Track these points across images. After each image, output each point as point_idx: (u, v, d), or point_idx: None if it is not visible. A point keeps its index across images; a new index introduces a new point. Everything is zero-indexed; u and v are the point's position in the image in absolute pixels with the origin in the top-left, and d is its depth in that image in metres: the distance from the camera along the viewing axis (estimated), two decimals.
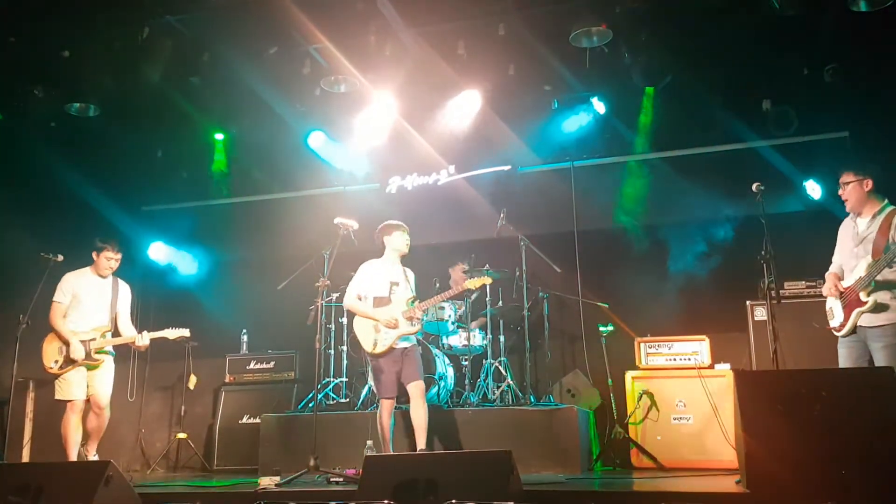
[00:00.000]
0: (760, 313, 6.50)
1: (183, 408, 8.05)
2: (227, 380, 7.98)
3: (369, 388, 6.76)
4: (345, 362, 7.44)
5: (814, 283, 6.39)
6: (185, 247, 8.76)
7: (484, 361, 7.00)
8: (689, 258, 7.19)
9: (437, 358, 6.82)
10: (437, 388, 6.66)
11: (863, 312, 4.63)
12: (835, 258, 5.04)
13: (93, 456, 5.97)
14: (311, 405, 6.79)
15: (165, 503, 4.85)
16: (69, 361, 5.92)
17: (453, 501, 3.64)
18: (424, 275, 7.13)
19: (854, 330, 4.71)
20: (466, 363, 6.97)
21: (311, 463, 5.46)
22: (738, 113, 7.24)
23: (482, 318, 7.22)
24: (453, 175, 8.23)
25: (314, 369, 6.00)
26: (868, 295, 4.61)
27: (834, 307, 4.89)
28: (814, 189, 7.03)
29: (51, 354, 5.95)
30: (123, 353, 6.37)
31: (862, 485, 3.60)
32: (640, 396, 6.43)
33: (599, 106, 7.73)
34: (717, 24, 6.26)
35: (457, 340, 7.11)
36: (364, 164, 8.47)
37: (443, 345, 7.11)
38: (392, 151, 8.21)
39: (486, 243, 7.46)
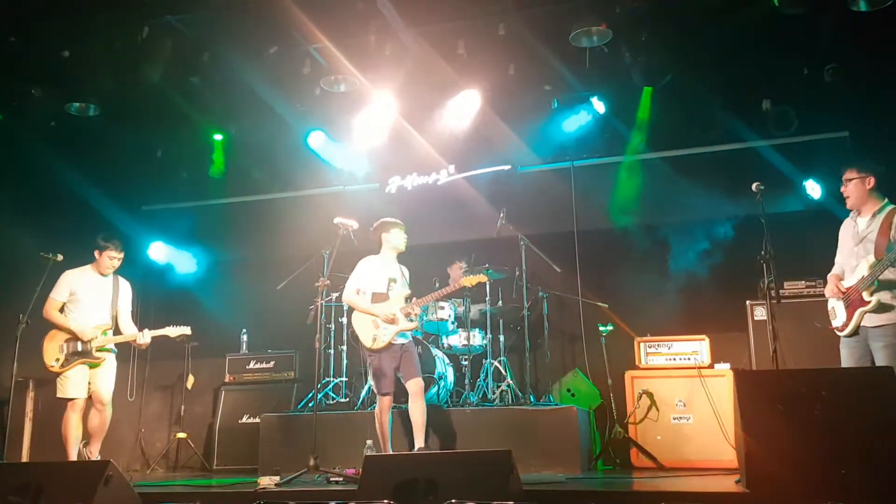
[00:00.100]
0: (760, 313, 6.51)
1: (183, 407, 8.05)
2: (226, 379, 7.98)
3: (369, 387, 6.76)
4: (345, 362, 7.45)
5: (814, 283, 6.40)
6: (185, 246, 8.76)
7: (483, 361, 7.01)
8: (689, 258, 7.19)
9: (436, 358, 6.82)
10: (436, 387, 6.66)
11: (866, 312, 4.63)
12: (837, 259, 5.04)
13: (96, 456, 5.96)
14: (310, 405, 6.79)
15: (165, 503, 4.84)
16: (71, 359, 5.93)
17: (453, 501, 3.64)
18: (424, 274, 7.14)
19: (857, 330, 4.71)
20: (466, 363, 6.98)
21: (311, 463, 5.45)
22: (738, 113, 7.24)
23: (478, 310, 7.23)
24: (453, 175, 8.23)
25: (314, 369, 6.00)
26: (871, 295, 4.60)
27: (836, 307, 4.88)
28: (814, 189, 7.04)
29: (52, 353, 5.95)
30: (123, 353, 6.37)
31: (862, 485, 3.60)
32: (640, 396, 6.44)
33: (599, 106, 7.73)
34: (717, 24, 6.26)
35: (456, 340, 7.11)
36: (364, 163, 8.47)
37: (442, 344, 7.12)
38: (392, 151, 8.21)
39: (486, 243, 7.45)
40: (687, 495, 4.34)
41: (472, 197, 8.05)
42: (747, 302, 6.60)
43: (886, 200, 4.81)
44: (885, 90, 6.58)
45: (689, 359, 6.51)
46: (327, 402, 7.13)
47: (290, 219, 8.53)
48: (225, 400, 7.88)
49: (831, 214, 5.39)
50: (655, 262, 7.36)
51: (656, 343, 6.65)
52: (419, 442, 5.67)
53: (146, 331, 6.12)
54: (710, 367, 6.42)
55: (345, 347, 7.44)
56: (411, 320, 5.91)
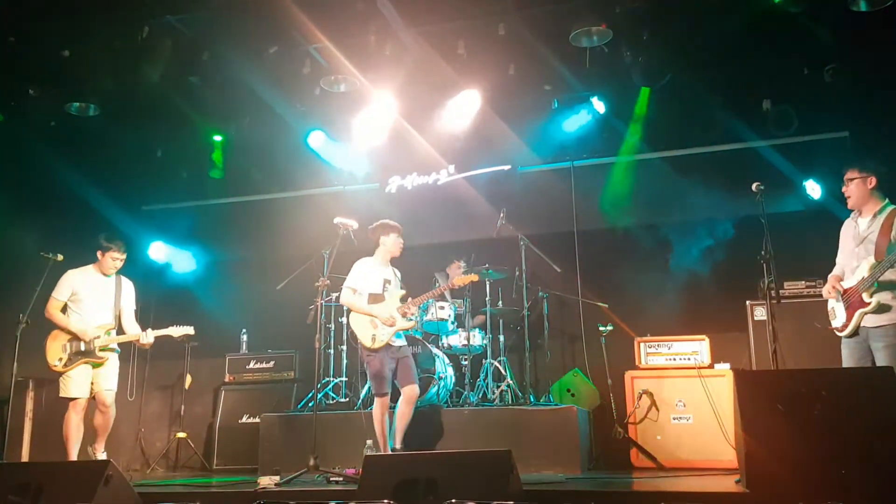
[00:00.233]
0: (760, 313, 6.50)
1: (183, 407, 8.05)
2: (226, 379, 7.97)
3: (369, 387, 6.75)
4: (344, 362, 7.44)
5: (814, 283, 6.39)
6: (184, 246, 8.76)
7: (483, 361, 7.01)
8: (689, 258, 7.18)
9: (436, 358, 6.82)
10: (436, 387, 6.65)
11: (866, 313, 4.63)
12: (838, 260, 5.04)
13: (100, 454, 5.97)
14: (310, 405, 6.79)
15: (165, 503, 4.84)
16: (73, 359, 5.93)
17: (453, 501, 3.64)
18: (424, 274, 7.14)
19: (857, 331, 4.71)
20: (466, 363, 6.97)
21: (311, 462, 5.46)
22: (739, 113, 7.24)
23: (481, 317, 7.22)
24: (453, 175, 8.23)
25: (314, 369, 6.02)
26: (871, 296, 4.61)
27: (836, 308, 4.88)
28: (814, 189, 7.03)
29: (55, 352, 5.95)
30: (124, 353, 6.36)
31: (862, 485, 3.60)
32: (640, 396, 6.43)
33: (599, 105, 7.72)
34: (717, 24, 6.26)
35: (456, 340, 7.11)
36: (364, 163, 8.47)
37: (442, 344, 7.11)
38: (392, 151, 8.20)
39: (486, 243, 7.45)
40: (687, 495, 4.34)
41: (472, 197, 8.05)
42: (747, 302, 6.59)
43: (887, 201, 4.82)
44: (885, 90, 6.58)
45: (689, 359, 6.51)
46: (327, 401, 7.13)
47: (289, 219, 8.52)
48: (225, 400, 7.88)
49: (831, 214, 5.39)
50: (655, 262, 7.36)
51: (656, 343, 6.65)
52: (397, 443, 5.75)
53: (149, 331, 6.13)
54: (710, 367, 6.42)
55: (345, 347, 7.44)
56: (409, 319, 5.98)
